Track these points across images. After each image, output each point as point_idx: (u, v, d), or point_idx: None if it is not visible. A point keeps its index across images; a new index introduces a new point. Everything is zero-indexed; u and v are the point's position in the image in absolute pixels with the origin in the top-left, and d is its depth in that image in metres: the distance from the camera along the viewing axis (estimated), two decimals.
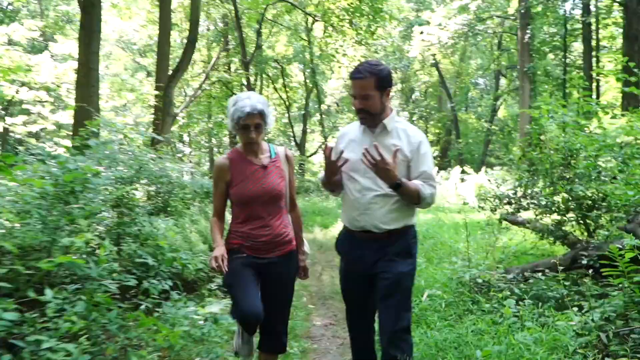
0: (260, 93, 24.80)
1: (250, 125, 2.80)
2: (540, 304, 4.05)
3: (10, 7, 23.04)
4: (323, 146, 2.80)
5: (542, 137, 5.46)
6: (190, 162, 14.74)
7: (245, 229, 2.90)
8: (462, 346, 3.32)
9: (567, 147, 5.05)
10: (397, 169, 2.65)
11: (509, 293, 4.17)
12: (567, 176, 5.09)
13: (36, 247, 3.85)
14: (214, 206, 3.02)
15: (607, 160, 5.39)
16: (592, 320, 3.47)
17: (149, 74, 29.03)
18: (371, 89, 2.75)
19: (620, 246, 3.62)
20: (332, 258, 8.77)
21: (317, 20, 18.88)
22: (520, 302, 4.05)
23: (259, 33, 22.49)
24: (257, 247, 2.89)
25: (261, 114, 2.81)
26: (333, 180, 2.86)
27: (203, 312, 3.96)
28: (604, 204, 4.89)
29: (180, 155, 15.72)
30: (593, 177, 4.95)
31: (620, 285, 3.58)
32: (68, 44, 16.75)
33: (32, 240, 3.62)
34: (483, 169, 18.76)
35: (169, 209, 6.61)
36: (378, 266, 2.80)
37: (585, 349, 3.17)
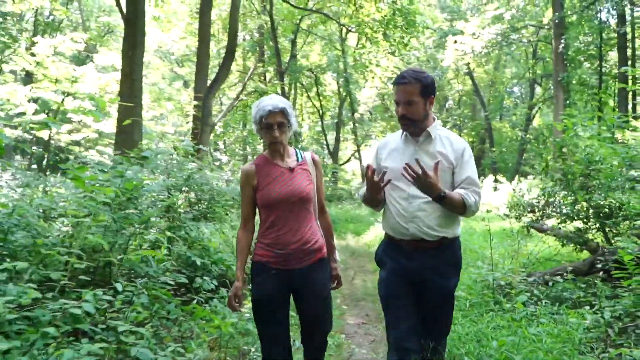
0: (295, 102, 25.45)
1: (273, 124, 2.78)
2: (557, 304, 4.43)
3: (52, 17, 24.16)
4: (365, 165, 3.07)
5: (564, 150, 5.81)
6: (229, 170, 15.30)
7: (273, 236, 2.82)
8: (482, 338, 3.73)
9: (586, 159, 5.39)
10: (441, 178, 2.64)
11: (526, 292, 4.56)
12: (587, 186, 5.43)
13: (97, 248, 4.39)
14: (242, 214, 2.96)
15: (629, 171, 5.69)
16: (602, 317, 3.84)
17: (185, 84, 29.98)
18: (416, 95, 2.73)
19: (631, 251, 3.97)
20: (364, 264, 9.20)
21: (350, 31, 19.35)
22: (539, 302, 4.44)
23: (293, 43, 23.13)
24: (286, 256, 2.80)
25: (283, 112, 2.79)
26: (376, 198, 2.83)
27: (248, 306, 4.43)
28: (621, 212, 5.22)
29: (217, 163, 16.32)
30: (612, 187, 5.28)
31: (629, 287, 3.94)
32: (111, 55, 17.68)
33: (99, 241, 4.15)
34: (516, 178, 18.87)
35: (209, 215, 7.14)
36: (427, 276, 2.76)
37: (592, 342, 3.55)
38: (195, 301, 4.31)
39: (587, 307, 4.13)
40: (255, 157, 23.14)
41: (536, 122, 28.66)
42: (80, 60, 21.18)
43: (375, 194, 2.76)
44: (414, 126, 2.79)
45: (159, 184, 5.16)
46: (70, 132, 17.11)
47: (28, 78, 19.33)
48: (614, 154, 5.63)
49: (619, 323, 3.75)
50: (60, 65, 14.83)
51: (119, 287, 3.52)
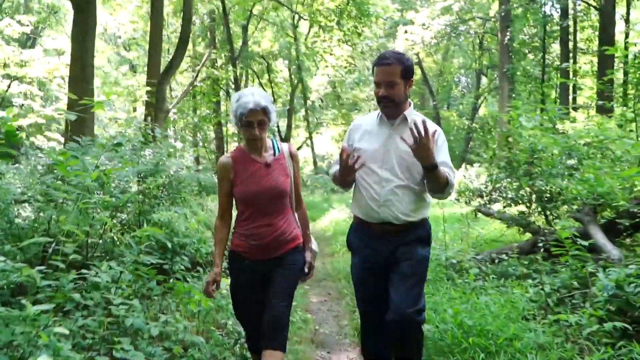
0: (245, 86, 25.50)
1: (253, 122, 2.77)
2: (503, 279, 4.95)
3: None
4: (340, 148, 2.96)
5: (509, 139, 6.36)
6: (189, 156, 15.36)
7: (249, 227, 2.88)
8: (438, 308, 4.18)
9: (530, 148, 5.94)
10: (418, 168, 2.72)
11: (475, 268, 5.08)
12: (530, 172, 5.99)
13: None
14: (219, 205, 3.01)
15: (568, 159, 6.30)
16: (543, 290, 4.36)
17: (133, 67, 29.51)
18: (397, 76, 2.74)
19: (567, 231, 4.51)
20: (322, 247, 9.61)
21: (305, 19, 19.61)
22: (487, 278, 4.95)
23: (245, 29, 23.19)
24: (262, 247, 2.86)
25: (265, 111, 2.77)
26: (347, 180, 2.88)
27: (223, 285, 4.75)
28: (560, 197, 5.81)
29: (171, 149, 16.35)
30: (553, 174, 5.85)
31: (566, 262, 4.49)
32: (59, 38, 17.35)
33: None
34: (463, 165, 19.70)
35: (176, 201, 7.36)
36: (398, 251, 2.81)
37: (534, 310, 4.06)
38: (171, 280, 4.60)
39: (530, 281, 4.66)
40: (206, 144, 22.96)
41: (482, 111, 29.79)
42: (22, 43, 20.55)
43: (347, 176, 2.79)
44: (394, 107, 2.81)
45: (133, 170, 5.37)
46: (15, 117, 16.60)
47: None
48: (555, 143, 6.21)
49: (557, 294, 4.28)
50: (7, 49, 14.50)
51: (105, 266, 3.76)
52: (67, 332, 2.05)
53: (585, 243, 4.26)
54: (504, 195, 6.50)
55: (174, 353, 3.40)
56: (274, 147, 3.00)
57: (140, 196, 5.69)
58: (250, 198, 2.87)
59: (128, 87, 23.21)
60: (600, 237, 4.79)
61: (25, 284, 2.78)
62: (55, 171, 4.87)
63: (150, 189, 5.81)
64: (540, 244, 5.22)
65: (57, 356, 1.95)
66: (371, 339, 3.07)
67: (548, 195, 5.92)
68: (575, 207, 5.58)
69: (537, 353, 3.24)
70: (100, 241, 4.99)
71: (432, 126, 2.79)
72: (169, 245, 5.50)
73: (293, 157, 3.04)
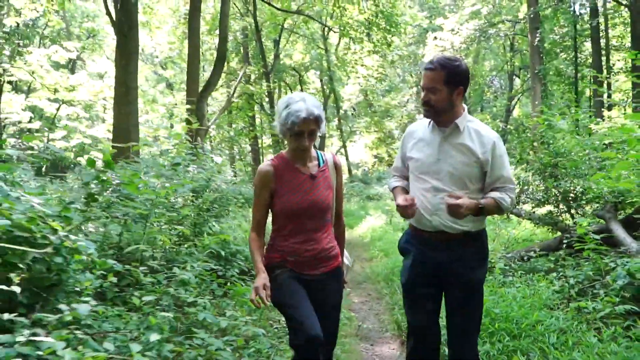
0: (279, 99, 26.25)
1: (304, 132, 2.61)
2: (530, 274, 5.40)
3: (45, 27, 24.69)
4: (402, 201, 2.70)
5: (535, 144, 6.79)
6: (234, 171, 16.14)
7: (289, 243, 2.72)
8: None
9: (554, 151, 6.37)
10: (466, 173, 2.70)
11: (501, 264, 5.55)
12: (556, 174, 6.41)
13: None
14: (253, 218, 2.79)
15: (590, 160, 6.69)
16: (567, 282, 4.81)
17: (170, 85, 30.68)
18: (439, 82, 2.67)
19: (584, 227, 4.94)
20: (360, 253, 10.15)
21: (335, 32, 20.25)
22: (515, 273, 5.42)
23: (277, 43, 23.99)
24: (301, 263, 2.71)
25: (317, 120, 2.62)
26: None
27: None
28: (584, 197, 6.21)
29: (212, 164, 17.17)
30: (577, 175, 6.26)
31: (589, 257, 4.92)
32: (100, 61, 18.46)
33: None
34: None
35: (224, 213, 8.01)
36: (454, 269, 2.73)
37: (558, 301, 4.52)
38: (228, 283, 5.21)
39: (554, 274, 5.11)
40: (243, 157, 23.73)
41: (516, 112, 29.86)
42: (65, 67, 21.80)
43: (406, 217, 2.78)
44: (435, 114, 2.75)
45: (189, 186, 6.01)
46: (64, 138, 17.81)
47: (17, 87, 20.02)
48: (578, 144, 6.62)
49: (580, 285, 4.72)
50: (55, 74, 15.53)
51: (177, 270, 4.38)
52: (171, 315, 2.63)
53: (598, 237, 4.71)
54: (532, 196, 6.92)
55: (238, 344, 3.98)
56: (318, 157, 2.84)
57: (194, 210, 6.34)
58: (294, 212, 2.69)
59: (166, 105, 24.30)
60: (620, 232, 5.21)
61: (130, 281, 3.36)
62: (115, 188, 5.52)
63: (204, 203, 6.43)
64: (566, 241, 5.64)
65: (163, 334, 2.53)
66: (417, 349, 2.95)
67: (572, 195, 6.34)
68: (598, 205, 5.99)
69: (557, 335, 3.71)
70: (163, 251, 5.64)
71: (490, 135, 2.74)
72: (223, 253, 6.14)
73: (337, 168, 2.90)
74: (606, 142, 6.93)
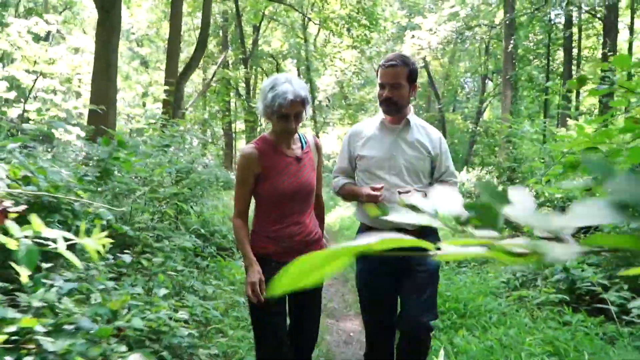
0: (255, 87, 26.67)
1: (290, 115, 2.54)
2: (483, 266, 6.08)
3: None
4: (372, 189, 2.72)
5: (496, 148, 7.48)
6: (210, 154, 16.54)
7: (276, 229, 2.64)
8: None
9: (513, 157, 7.06)
10: (418, 166, 2.81)
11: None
12: (513, 177, 7.11)
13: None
14: (237, 204, 2.68)
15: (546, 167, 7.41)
16: (513, 274, 5.49)
17: (145, 63, 30.70)
18: (403, 78, 2.76)
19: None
20: (331, 240, 10.73)
21: (317, 24, 20.72)
22: (468, 264, 6.09)
23: (257, 29, 24.35)
24: (289, 249, 2.62)
25: (303, 102, 2.55)
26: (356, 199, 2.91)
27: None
28: (537, 201, 6.92)
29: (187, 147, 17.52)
30: (531, 180, 6.96)
31: None
32: (79, 36, 18.49)
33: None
34: (465, 168, 20.77)
35: (204, 194, 8.49)
36: (412, 262, 2.77)
37: (503, 290, 5.19)
38: (208, 258, 5.75)
39: (502, 267, 5.79)
40: (215, 140, 23.97)
41: (487, 115, 30.84)
42: (43, 39, 21.70)
43: (364, 201, 2.79)
44: (397, 111, 2.84)
45: (176, 167, 6.49)
46: (39, 110, 17.85)
47: None
48: (537, 152, 7.32)
49: (523, 278, 5.41)
50: (35, 47, 15.60)
51: (184, 237, 4.87)
52: (174, 273, 3.17)
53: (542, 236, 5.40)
54: None
55: (220, 310, 4.53)
56: (300, 139, 2.79)
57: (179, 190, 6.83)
58: (281, 197, 2.62)
59: (141, 83, 24.43)
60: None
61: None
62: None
63: (190, 184, 6.91)
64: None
65: (169, 290, 3.06)
66: (377, 349, 3.02)
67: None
68: (548, 209, 6.71)
69: (498, 317, 4.36)
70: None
71: (434, 133, 2.92)
72: (203, 231, 6.67)
73: (318, 148, 2.87)
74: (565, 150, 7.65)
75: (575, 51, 22.50)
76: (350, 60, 22.14)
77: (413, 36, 23.52)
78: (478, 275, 5.53)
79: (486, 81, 29.67)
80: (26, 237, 1.47)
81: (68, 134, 18.83)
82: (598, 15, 19.90)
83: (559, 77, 23.78)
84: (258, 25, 23.84)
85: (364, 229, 2.96)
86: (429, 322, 2.73)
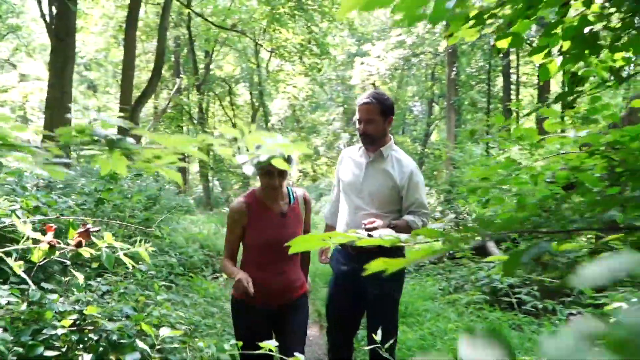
0: (207, 110, 27.37)
1: (273, 172, 2.77)
2: (423, 276, 7.07)
3: None
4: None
5: (435, 172, 8.55)
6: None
7: (258, 275, 2.81)
8: None
9: (449, 180, 8.13)
10: (387, 196, 3.14)
11: None
12: (449, 198, 8.18)
13: None
14: (226, 249, 2.97)
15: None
16: (448, 282, 6.49)
17: (92, 87, 30.96)
18: (376, 113, 3.10)
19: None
20: None
21: (270, 52, 21.69)
22: (408, 272, 7.08)
23: (209, 55, 25.13)
24: (269, 295, 2.87)
25: (287, 160, 2.64)
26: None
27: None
28: (471, 218, 8.00)
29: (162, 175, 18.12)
30: (468, 200, 8.04)
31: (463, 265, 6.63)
32: (33, 64, 18.98)
33: None
34: None
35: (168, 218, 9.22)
36: (369, 281, 3.03)
37: (440, 295, 6.18)
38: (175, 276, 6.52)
39: (439, 276, 6.80)
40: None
41: (434, 137, 32.41)
42: None
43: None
44: (372, 143, 3.19)
45: (147, 193, 7.23)
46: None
47: None
48: (473, 174, 8.41)
49: (456, 284, 6.42)
50: None
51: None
52: (167, 283, 3.98)
53: (472, 250, 6.46)
54: (432, 215, 8.69)
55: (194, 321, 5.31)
56: (289, 194, 3.01)
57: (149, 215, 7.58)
58: (262, 247, 2.87)
59: (89, 108, 24.78)
60: (491, 246, 6.97)
61: None
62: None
63: (160, 209, 7.67)
64: (451, 252, 7.37)
65: (165, 295, 3.87)
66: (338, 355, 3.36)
67: (461, 216, 8.13)
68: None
69: (432, 316, 5.32)
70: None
71: (409, 165, 3.23)
72: (172, 253, 7.43)
73: (307, 203, 3.09)
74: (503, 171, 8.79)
75: (514, 77, 24.19)
76: (301, 86, 23.21)
77: (362, 62, 24.85)
78: (419, 284, 6.51)
79: (433, 105, 31.26)
80: (106, 247, 2.31)
81: (21, 161, 19.20)
82: (534, 44, 21.59)
83: (498, 102, 25.45)
84: (210, 51, 24.63)
85: (337, 246, 3.35)
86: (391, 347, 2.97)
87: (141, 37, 23.96)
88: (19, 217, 2.24)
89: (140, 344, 2.56)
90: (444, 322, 4.99)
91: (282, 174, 2.80)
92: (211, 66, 25.82)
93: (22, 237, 2.83)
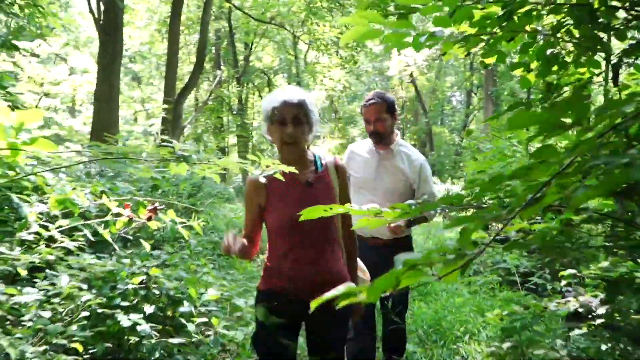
0: (247, 101, 28.25)
1: (286, 119, 2.36)
2: None
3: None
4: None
5: (461, 164, 9.08)
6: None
7: (286, 265, 2.40)
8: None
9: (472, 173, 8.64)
10: (398, 190, 3.36)
11: None
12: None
13: None
14: (245, 228, 2.56)
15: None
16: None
17: (137, 79, 32.21)
18: (384, 112, 3.30)
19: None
20: None
21: (305, 44, 22.35)
22: None
23: (249, 46, 25.98)
24: (301, 290, 2.35)
25: (300, 105, 2.37)
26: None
27: None
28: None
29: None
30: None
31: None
32: (82, 58, 20.08)
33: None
34: (449, 179, 22.38)
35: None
36: (387, 261, 3.39)
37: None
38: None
39: None
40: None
41: (473, 128, 32.62)
42: (44, 61, 23.23)
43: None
44: (383, 141, 3.38)
45: (192, 181, 7.99)
46: (41, 128, 19.27)
47: None
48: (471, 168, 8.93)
49: (478, 268, 6.98)
50: (37, 66, 17.03)
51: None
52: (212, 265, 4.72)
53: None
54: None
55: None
56: (315, 161, 2.52)
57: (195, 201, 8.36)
58: (286, 227, 2.38)
59: (134, 99, 25.95)
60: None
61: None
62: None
63: (205, 196, 8.42)
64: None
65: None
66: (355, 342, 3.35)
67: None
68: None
69: (449, 295, 5.92)
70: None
71: (418, 159, 3.46)
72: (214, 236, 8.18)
73: (340, 172, 2.54)
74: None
75: None
76: (338, 78, 23.84)
77: (399, 53, 25.27)
78: None
79: (472, 95, 31.46)
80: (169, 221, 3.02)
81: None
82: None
83: (539, 92, 25.29)
84: (250, 43, 25.44)
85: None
86: (402, 331, 3.54)
87: (183, 30, 24.92)
88: (108, 197, 2.94)
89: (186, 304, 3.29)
90: (458, 299, 5.58)
91: (298, 121, 2.38)
92: (250, 58, 26.64)
93: (92, 216, 3.59)
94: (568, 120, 0.96)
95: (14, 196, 2.76)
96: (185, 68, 25.18)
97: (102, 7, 12.81)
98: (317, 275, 2.37)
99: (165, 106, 16.28)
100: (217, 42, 26.52)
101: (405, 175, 3.37)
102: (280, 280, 2.42)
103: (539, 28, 2.86)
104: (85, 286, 2.91)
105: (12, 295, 2.43)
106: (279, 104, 2.36)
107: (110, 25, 12.78)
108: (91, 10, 14.07)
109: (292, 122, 2.37)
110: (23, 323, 2.42)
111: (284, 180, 2.18)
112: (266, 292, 2.45)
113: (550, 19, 2.85)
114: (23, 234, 2.59)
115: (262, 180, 2.35)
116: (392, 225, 3.15)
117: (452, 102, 34.15)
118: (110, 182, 4.79)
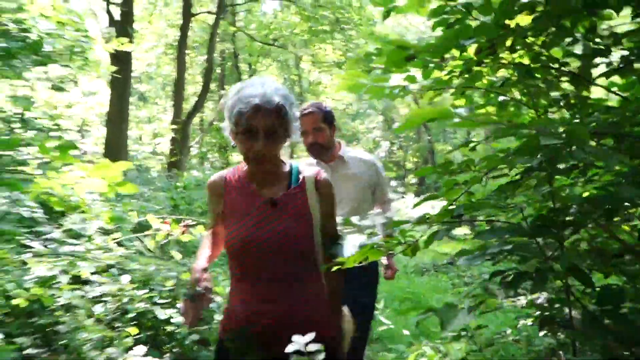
0: None
1: (257, 128, 1.79)
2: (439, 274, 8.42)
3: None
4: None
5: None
6: None
7: (239, 299, 1.92)
8: None
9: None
10: (362, 196, 3.27)
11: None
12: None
13: None
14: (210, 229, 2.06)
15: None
16: (461, 280, 7.81)
17: (144, 99, 32.99)
18: (320, 122, 3.16)
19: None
20: None
21: (311, 63, 23.21)
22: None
23: (250, 66, 26.87)
24: (262, 334, 1.83)
25: (278, 112, 1.80)
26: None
27: None
28: None
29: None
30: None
31: None
32: (94, 82, 20.97)
33: None
34: None
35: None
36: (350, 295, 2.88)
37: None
38: None
39: (452, 274, 8.15)
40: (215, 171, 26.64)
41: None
42: (56, 86, 24.05)
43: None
44: (323, 153, 3.23)
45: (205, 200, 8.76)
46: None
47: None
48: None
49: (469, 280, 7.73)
50: (48, 92, 17.80)
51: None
52: None
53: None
54: None
55: None
56: (291, 174, 1.99)
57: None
58: (238, 252, 1.90)
59: (141, 119, 26.82)
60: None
61: None
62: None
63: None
64: None
65: None
66: None
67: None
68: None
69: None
70: None
71: (370, 159, 3.38)
72: None
73: (321, 187, 1.98)
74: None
75: None
76: (339, 99, 24.74)
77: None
78: (433, 279, 7.85)
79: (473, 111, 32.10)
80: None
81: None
82: None
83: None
84: (253, 64, 26.33)
85: None
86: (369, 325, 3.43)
87: (189, 53, 25.78)
88: (152, 215, 3.71)
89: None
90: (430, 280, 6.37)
91: (272, 133, 1.84)
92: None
93: (130, 229, 4.37)
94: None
95: (79, 216, 3.52)
96: (189, 89, 25.98)
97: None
98: (275, 312, 1.84)
99: (174, 127, 16.99)
100: (222, 63, 27.38)
101: (364, 181, 3.27)
102: (229, 319, 1.95)
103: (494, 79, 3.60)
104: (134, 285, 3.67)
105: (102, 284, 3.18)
106: (248, 110, 1.78)
107: (122, 52, 13.54)
108: (103, 36, 14.86)
109: (265, 136, 1.82)
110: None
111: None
112: (228, 333, 1.94)
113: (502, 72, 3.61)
114: (89, 245, 3.35)
115: (221, 181, 1.99)
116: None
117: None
118: (132, 204, 5.56)
